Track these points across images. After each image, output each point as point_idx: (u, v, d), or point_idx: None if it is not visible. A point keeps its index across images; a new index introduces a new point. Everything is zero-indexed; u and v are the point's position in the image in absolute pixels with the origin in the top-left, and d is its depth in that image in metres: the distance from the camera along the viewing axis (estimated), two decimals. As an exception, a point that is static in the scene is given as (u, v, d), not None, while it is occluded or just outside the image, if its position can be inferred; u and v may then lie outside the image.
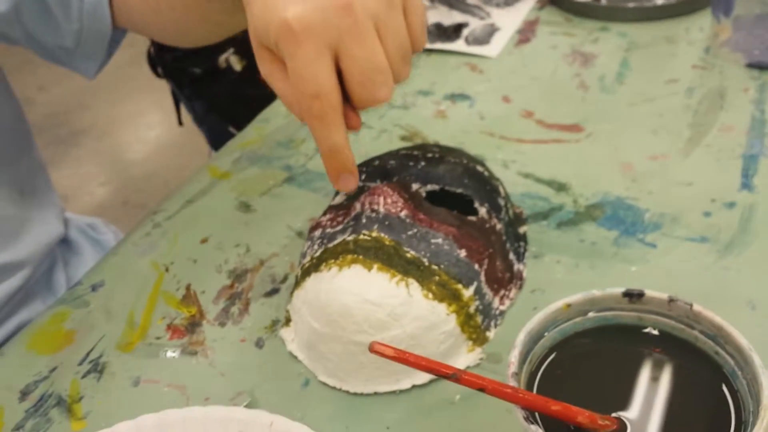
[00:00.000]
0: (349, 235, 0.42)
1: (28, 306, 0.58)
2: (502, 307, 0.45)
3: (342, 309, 0.39)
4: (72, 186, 2.00)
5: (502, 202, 0.48)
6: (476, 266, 0.43)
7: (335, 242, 0.43)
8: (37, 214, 0.61)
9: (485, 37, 0.76)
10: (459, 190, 0.46)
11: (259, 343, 0.45)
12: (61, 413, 0.42)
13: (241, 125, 0.68)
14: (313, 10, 0.33)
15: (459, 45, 0.75)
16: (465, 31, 0.77)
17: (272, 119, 0.68)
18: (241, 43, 0.97)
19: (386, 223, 0.42)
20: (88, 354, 0.46)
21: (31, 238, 0.58)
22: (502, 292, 0.45)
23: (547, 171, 0.56)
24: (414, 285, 0.40)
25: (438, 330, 0.41)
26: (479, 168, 0.49)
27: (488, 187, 0.48)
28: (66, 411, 0.42)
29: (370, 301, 0.39)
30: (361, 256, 0.40)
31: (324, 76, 0.33)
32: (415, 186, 0.46)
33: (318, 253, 0.44)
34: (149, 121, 2.22)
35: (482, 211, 0.46)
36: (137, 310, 0.48)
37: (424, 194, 0.46)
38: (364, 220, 0.42)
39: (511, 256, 0.47)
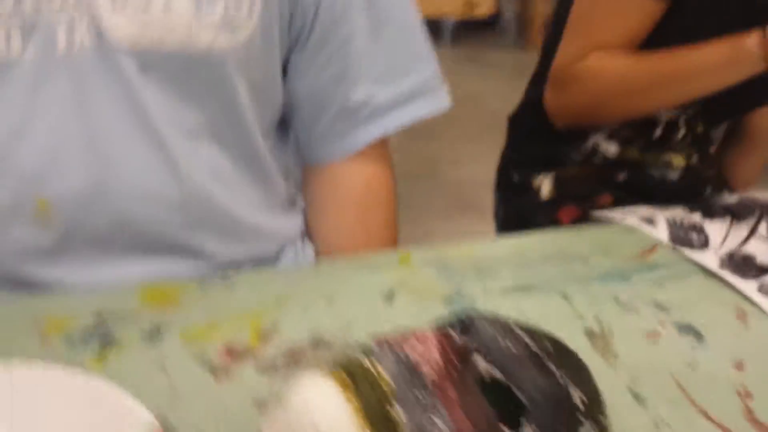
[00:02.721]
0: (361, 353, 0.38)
1: None
2: None
3: (290, 419, 0.36)
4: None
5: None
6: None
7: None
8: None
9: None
10: (522, 398, 0.38)
11: None
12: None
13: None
14: None
15: (749, 285, 0.61)
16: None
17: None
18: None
19: (402, 365, 0.37)
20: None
21: None
22: None
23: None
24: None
25: None
26: (573, 389, 0.39)
27: (571, 419, 0.38)
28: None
29: (318, 428, 0.35)
30: (347, 378, 0.37)
31: None
32: (478, 361, 0.39)
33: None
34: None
35: (529, 433, 0.37)
36: None
37: (477, 376, 0.39)
38: (381, 348, 0.38)
39: None
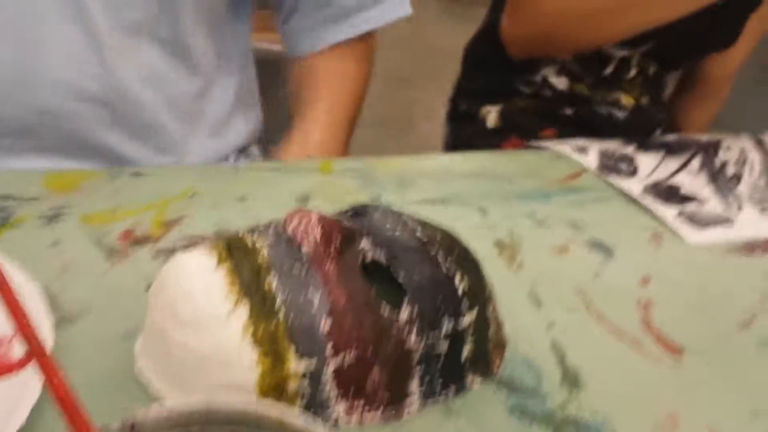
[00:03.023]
0: (245, 231, 0.38)
1: None
2: (343, 419, 0.36)
3: (167, 287, 0.36)
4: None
5: (450, 330, 0.38)
6: (331, 349, 0.35)
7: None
8: None
9: (706, 221, 0.61)
10: (403, 280, 0.38)
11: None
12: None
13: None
14: None
15: (669, 211, 0.61)
16: (690, 205, 0.63)
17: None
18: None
19: (283, 242, 0.37)
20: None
21: None
22: (356, 403, 0.36)
23: (579, 359, 0.43)
24: (244, 311, 0.35)
25: (229, 376, 0.34)
26: (458, 277, 0.39)
27: (452, 305, 0.38)
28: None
29: (192, 295, 0.35)
30: (225, 251, 0.36)
31: None
32: (364, 244, 0.39)
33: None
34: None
35: (407, 313, 0.37)
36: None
37: (363, 258, 0.39)
38: (266, 226, 0.38)
39: (414, 386, 0.37)
